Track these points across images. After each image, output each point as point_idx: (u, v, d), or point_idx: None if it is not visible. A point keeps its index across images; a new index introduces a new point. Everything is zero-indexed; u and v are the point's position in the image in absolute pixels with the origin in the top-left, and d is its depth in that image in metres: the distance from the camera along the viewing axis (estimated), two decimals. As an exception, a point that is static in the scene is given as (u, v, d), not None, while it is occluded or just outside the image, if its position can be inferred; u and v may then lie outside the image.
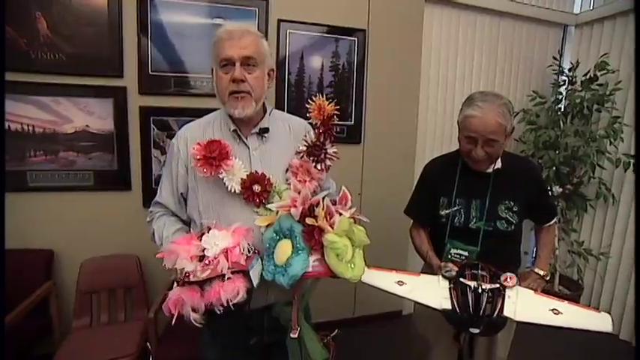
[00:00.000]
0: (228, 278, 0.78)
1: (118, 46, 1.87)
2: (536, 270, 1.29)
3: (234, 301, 0.77)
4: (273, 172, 1.01)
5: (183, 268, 0.78)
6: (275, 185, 0.96)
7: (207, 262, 0.78)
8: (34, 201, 1.87)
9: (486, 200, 1.20)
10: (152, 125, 1.98)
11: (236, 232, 0.84)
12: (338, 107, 0.97)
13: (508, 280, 0.97)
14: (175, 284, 0.80)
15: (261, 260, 0.90)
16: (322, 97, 0.97)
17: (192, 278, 0.77)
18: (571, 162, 2.51)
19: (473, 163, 1.20)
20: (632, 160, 2.35)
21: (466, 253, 1.20)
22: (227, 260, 0.78)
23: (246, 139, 1.03)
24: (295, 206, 0.85)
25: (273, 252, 0.86)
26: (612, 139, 2.36)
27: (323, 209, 0.85)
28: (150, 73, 1.94)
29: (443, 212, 1.26)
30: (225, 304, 0.76)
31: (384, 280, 0.98)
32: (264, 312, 1.03)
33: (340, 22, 2.23)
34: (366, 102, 2.36)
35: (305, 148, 0.98)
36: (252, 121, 1.03)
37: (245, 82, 0.95)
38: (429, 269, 1.27)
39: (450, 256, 1.22)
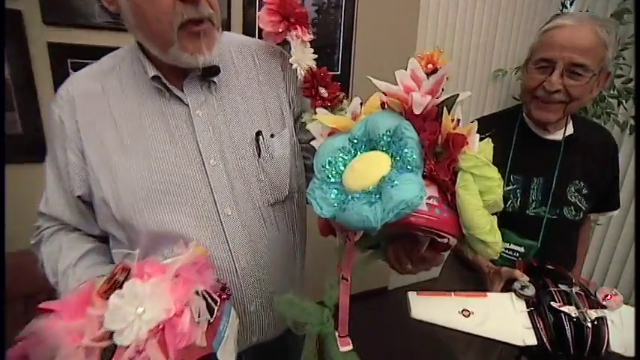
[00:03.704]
0: None
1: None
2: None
3: None
4: (237, 142, 0.60)
5: None
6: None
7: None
8: None
9: (553, 179, 0.88)
10: (71, 72, 1.43)
11: (182, 274, 0.42)
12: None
13: (611, 298, 0.68)
14: None
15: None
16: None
17: None
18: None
19: (537, 109, 0.85)
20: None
21: (522, 249, 0.90)
22: (166, 347, 0.37)
23: (182, 91, 0.59)
24: (418, 90, 0.45)
25: (342, 172, 0.46)
26: (624, 100, 2.14)
27: (453, 120, 0.45)
28: (59, -8, 1.35)
29: (492, 193, 0.93)
30: None
31: (444, 310, 0.64)
32: (243, 356, 0.71)
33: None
34: (355, 48, 1.93)
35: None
36: None
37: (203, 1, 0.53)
38: (453, 272, 1.01)
39: (499, 252, 0.91)
